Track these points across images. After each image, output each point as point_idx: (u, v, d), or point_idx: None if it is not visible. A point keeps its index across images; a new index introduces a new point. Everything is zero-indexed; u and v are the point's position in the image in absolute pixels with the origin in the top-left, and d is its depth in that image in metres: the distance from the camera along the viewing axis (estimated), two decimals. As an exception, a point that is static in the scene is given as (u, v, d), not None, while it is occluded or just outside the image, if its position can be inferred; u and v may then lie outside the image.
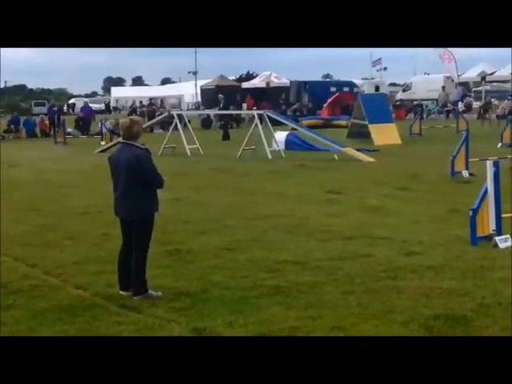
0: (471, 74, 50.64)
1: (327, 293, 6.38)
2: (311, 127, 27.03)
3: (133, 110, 42.52)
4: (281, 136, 21.86)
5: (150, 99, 48.22)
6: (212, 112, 36.85)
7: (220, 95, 31.67)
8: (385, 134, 23.83)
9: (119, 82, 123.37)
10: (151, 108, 41.56)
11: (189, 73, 67.91)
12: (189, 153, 21.17)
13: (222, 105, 29.63)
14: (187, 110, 49.54)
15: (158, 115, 31.36)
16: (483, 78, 46.78)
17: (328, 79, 70.66)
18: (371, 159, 18.51)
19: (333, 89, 43.80)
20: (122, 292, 6.44)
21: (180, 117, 24.16)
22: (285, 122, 23.36)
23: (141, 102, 49.51)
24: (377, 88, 48.63)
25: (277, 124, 23.34)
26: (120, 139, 6.73)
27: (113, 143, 22.35)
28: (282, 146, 20.93)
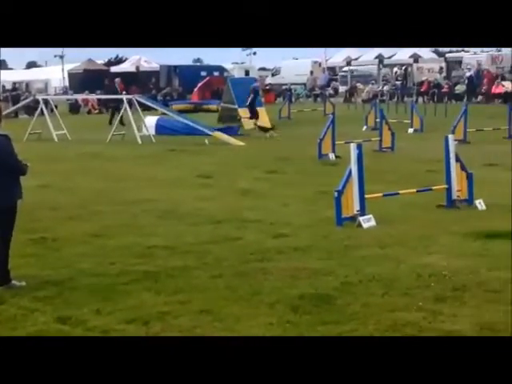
0: (337, 59, 51.91)
1: (196, 277, 6.39)
2: (182, 111, 26.91)
3: (-5, 95, 40.89)
4: (151, 121, 21.67)
5: (14, 83, 46.50)
6: (82, 96, 36.00)
7: (117, 79, 30.82)
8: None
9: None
10: (16, 93, 40.12)
11: (55, 56, 65.89)
12: (56, 138, 20.64)
13: (119, 90, 28.69)
14: (54, 94, 48.14)
15: (23, 100, 30.30)
16: (349, 63, 48.07)
17: (198, 63, 70.40)
18: (241, 143, 18.66)
19: (203, 73, 43.72)
20: (-17, 283, 6.21)
21: (46, 101, 23.48)
22: (154, 106, 23.15)
23: (4, 86, 47.64)
24: (247, 72, 48.93)
25: (147, 108, 23.11)
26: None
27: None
28: (152, 131, 20.76)
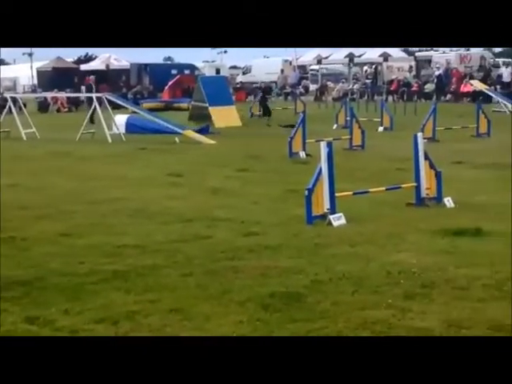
0: (308, 58, 52.08)
1: (166, 275, 6.37)
2: (152, 110, 26.84)
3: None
4: (121, 119, 21.58)
5: (-18, 82, 46.08)
6: (51, 95, 35.71)
7: (91, 76, 30.57)
8: (225, 116, 24.09)
9: None
10: (-16, 91, 39.71)
11: (23, 54, 65.26)
12: (24, 137, 20.47)
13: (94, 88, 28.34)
14: (23, 92, 47.71)
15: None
16: (319, 62, 48.26)
17: (169, 62, 70.23)
18: (212, 141, 18.65)
19: (174, 71, 43.73)
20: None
21: (14, 100, 23.27)
22: (124, 104, 23.07)
23: (-30, 84, 47.16)
24: (217, 71, 48.94)
25: (118, 107, 23.01)
26: None
27: None
28: (122, 130, 20.68)
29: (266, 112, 25.06)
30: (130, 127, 21.26)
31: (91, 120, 20.93)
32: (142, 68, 46.26)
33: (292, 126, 18.32)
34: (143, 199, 10.32)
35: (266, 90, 26.81)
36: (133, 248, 7.39)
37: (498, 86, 36.77)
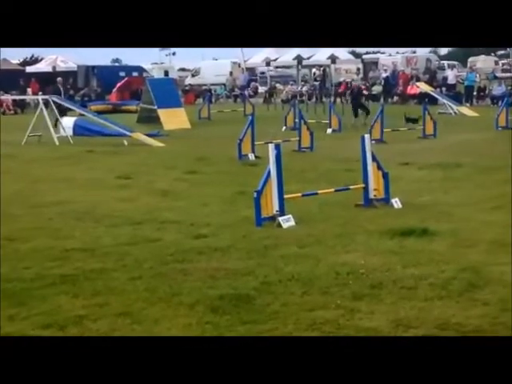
0: (257, 60, 52.21)
1: (115, 279, 6.31)
2: (100, 112, 26.59)
3: None
4: (68, 121, 21.31)
5: None
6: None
7: (58, 78, 29.96)
8: (174, 119, 24.00)
9: None
10: None
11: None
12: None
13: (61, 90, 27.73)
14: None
15: None
16: (268, 64, 48.41)
17: (117, 64, 69.67)
18: (160, 144, 18.56)
19: (122, 73, 43.35)
20: None
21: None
22: (71, 107, 22.80)
23: None
24: (166, 73, 48.68)
25: (65, 109, 22.71)
26: None
27: None
28: (69, 132, 20.41)
29: (365, 110, 24.77)
30: (78, 130, 20.97)
31: (55, 124, 20.56)
32: (90, 70, 45.76)
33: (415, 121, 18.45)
34: (91, 202, 10.20)
35: (355, 90, 26.71)
36: (81, 252, 7.30)
37: (444, 88, 37.32)
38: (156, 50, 61.80)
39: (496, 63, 50.40)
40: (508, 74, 41.66)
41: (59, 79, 29.49)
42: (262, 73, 48.98)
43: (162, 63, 58.99)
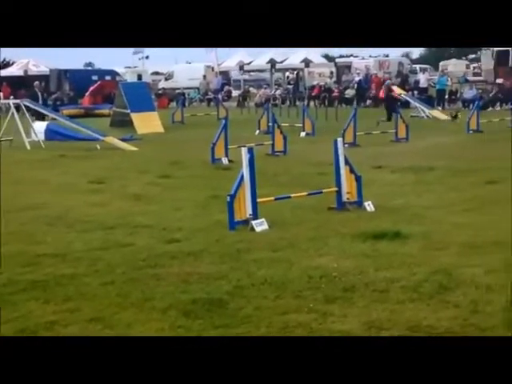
0: (230, 63, 52.23)
1: (87, 284, 6.27)
2: (73, 116, 26.44)
3: None
4: (40, 126, 21.17)
5: None
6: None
7: (36, 82, 29.62)
8: (147, 123, 23.94)
9: None
10: None
11: None
12: None
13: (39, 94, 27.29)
14: None
15: None
16: (241, 67, 48.45)
17: (90, 68, 69.28)
18: (134, 148, 18.49)
19: (94, 77, 43.09)
20: None
21: None
22: (43, 111, 22.64)
23: None
24: (139, 77, 48.55)
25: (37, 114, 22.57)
26: None
27: None
28: (41, 137, 20.27)
29: (391, 115, 24.82)
30: (50, 134, 20.86)
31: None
32: (62, 74, 45.44)
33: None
34: (63, 207, 10.13)
35: (390, 89, 26.83)
36: (52, 257, 7.24)
37: (416, 92, 37.61)
38: (129, 53, 61.44)
39: (467, 67, 50.92)
40: (479, 78, 42.08)
41: (36, 83, 29.32)
42: (236, 80, 49.02)
43: (135, 67, 58.66)
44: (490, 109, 31.86)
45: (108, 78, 43.57)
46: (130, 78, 47.41)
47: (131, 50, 61.07)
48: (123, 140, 19.79)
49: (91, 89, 38.54)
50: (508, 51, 40.06)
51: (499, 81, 36.73)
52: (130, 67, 57.81)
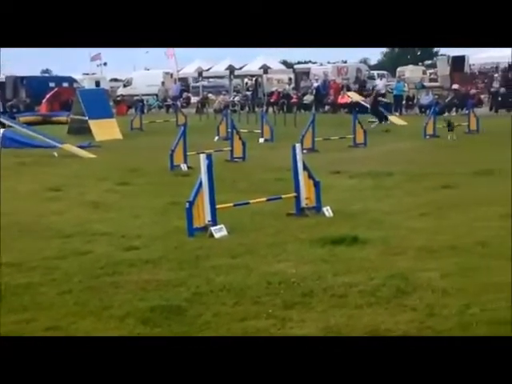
0: (189, 70, 52.14)
1: (43, 293, 6.20)
2: (29, 124, 26.10)
3: None
4: (-4, 133, 20.89)
5: None
6: None
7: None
8: (105, 130, 23.75)
9: None
10: None
11: None
12: None
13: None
14: None
15: None
16: (200, 74, 48.38)
17: (47, 74, 68.61)
18: (92, 155, 18.34)
19: (52, 84, 42.60)
20: None
21: None
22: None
23: None
24: (97, 83, 48.21)
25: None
26: None
27: None
28: (-3, 144, 20.01)
29: (382, 117, 25.13)
30: (6, 142, 20.56)
31: None
32: (18, 80, 44.88)
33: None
34: (20, 214, 10.00)
35: (378, 95, 27.07)
36: (7, 266, 7.14)
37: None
38: (87, 60, 61.00)
39: (424, 73, 51.51)
40: (435, 84, 42.62)
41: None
42: (194, 87, 48.94)
43: (93, 73, 58.27)
44: (447, 114, 32.24)
45: (65, 84, 43.10)
46: (88, 84, 47.04)
47: (89, 56, 60.75)
48: (81, 147, 19.61)
49: (48, 96, 38.11)
50: (463, 57, 40.72)
51: (455, 86, 37.24)
52: (87, 74, 57.40)
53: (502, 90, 33.71)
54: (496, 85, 34.64)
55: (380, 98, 26.90)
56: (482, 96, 36.21)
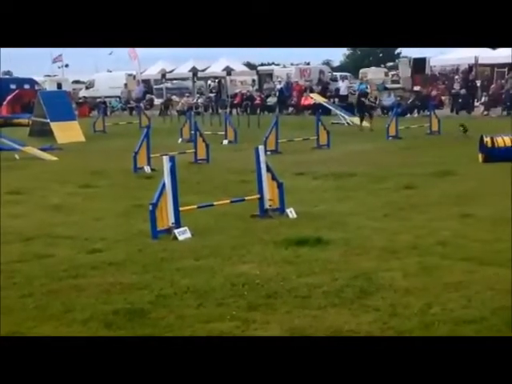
0: (152, 72, 51.92)
1: (4, 298, 6.11)
2: (-10, 126, 25.81)
3: None
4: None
5: None
6: None
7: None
8: (68, 132, 23.57)
9: None
10: None
11: None
12: None
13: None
14: None
15: None
16: (163, 76, 48.21)
17: (7, 76, 67.76)
18: (54, 158, 18.18)
19: (12, 86, 42.06)
20: None
21: None
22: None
23: None
24: (59, 85, 47.79)
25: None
26: None
27: None
28: (-43, 147, 19.71)
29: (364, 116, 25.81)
30: (-34, 144, 20.31)
31: None
32: (-22, 82, 44.34)
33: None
34: (-20, 219, 9.86)
35: (362, 95, 27.35)
36: (-32, 270, 7.04)
37: (336, 99, 38.13)
38: (48, 61, 60.38)
39: (386, 74, 51.87)
40: (397, 85, 42.96)
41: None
42: (159, 89, 48.72)
43: (54, 75, 57.66)
44: (409, 115, 32.57)
45: (27, 86, 42.61)
46: (50, 86, 46.56)
47: (50, 58, 60.16)
48: (43, 150, 19.42)
49: (9, 98, 37.69)
50: (424, 59, 41.13)
51: (416, 88, 37.60)
52: (49, 76, 56.80)
53: (463, 91, 34.10)
54: (457, 86, 35.00)
55: (363, 99, 27.12)
56: (443, 97, 36.57)
